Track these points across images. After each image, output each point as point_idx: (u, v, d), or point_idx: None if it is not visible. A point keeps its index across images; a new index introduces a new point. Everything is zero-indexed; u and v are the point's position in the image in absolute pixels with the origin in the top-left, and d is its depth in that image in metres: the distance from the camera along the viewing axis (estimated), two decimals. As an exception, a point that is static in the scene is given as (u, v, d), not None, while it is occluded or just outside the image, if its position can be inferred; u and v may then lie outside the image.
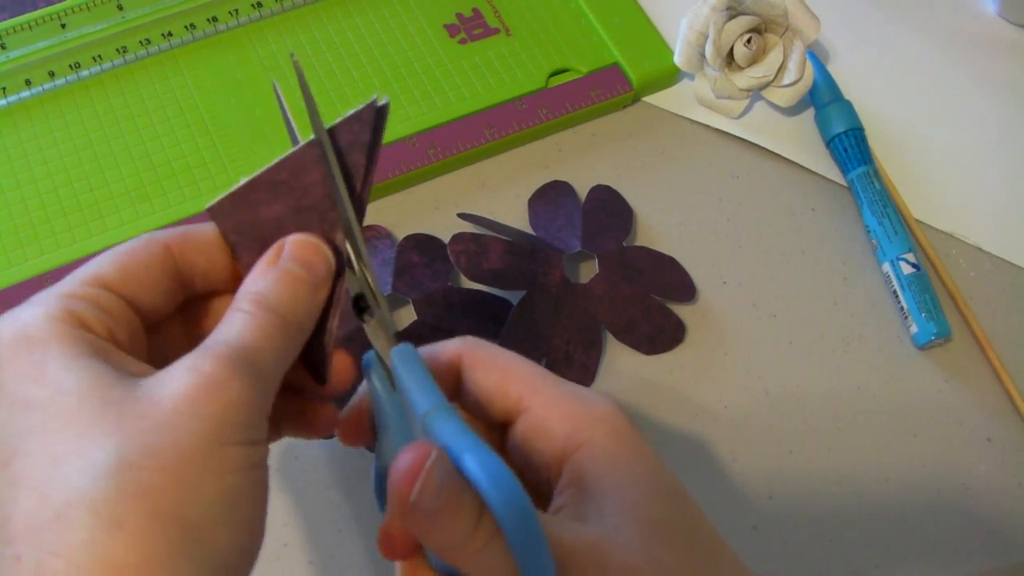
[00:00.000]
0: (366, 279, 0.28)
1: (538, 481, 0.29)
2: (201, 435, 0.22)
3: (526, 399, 0.28)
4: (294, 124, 0.29)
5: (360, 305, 0.29)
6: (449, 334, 0.41)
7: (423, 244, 0.45)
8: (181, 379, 0.23)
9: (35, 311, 0.24)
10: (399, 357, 0.26)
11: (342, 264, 0.28)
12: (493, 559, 0.23)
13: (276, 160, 0.27)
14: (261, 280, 0.26)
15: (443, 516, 0.22)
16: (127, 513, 0.20)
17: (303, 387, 0.29)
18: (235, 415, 0.23)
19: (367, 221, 0.46)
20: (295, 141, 0.28)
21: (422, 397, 0.25)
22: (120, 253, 0.26)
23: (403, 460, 0.22)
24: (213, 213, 0.27)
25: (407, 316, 0.43)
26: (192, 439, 0.22)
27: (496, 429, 0.30)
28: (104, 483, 0.21)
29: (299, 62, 0.28)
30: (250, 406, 0.23)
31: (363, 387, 0.30)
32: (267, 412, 0.24)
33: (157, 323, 0.27)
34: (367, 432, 0.30)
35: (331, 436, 0.31)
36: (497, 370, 0.29)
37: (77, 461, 0.21)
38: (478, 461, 0.23)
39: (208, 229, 0.28)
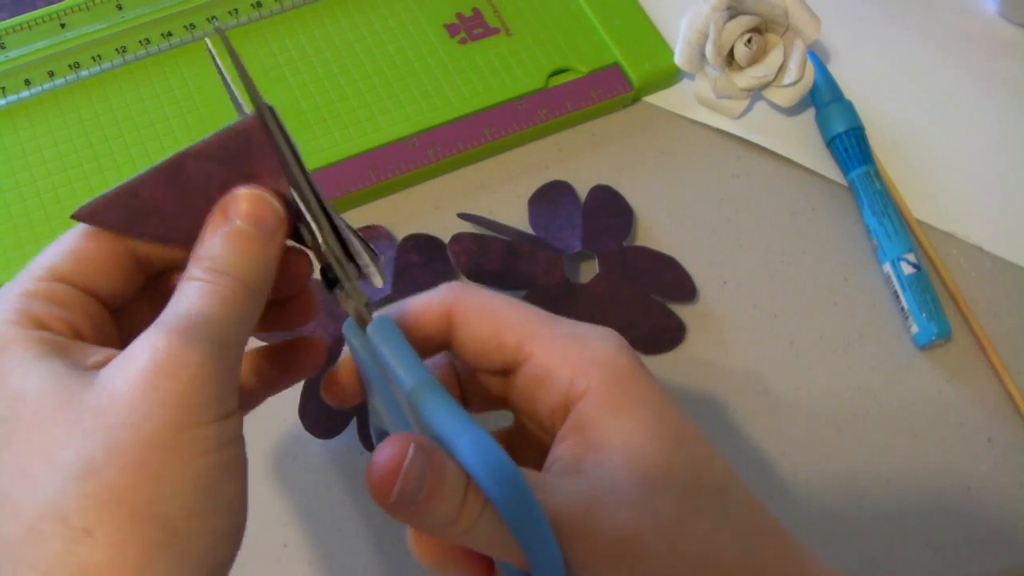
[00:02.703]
0: (331, 249, 0.26)
1: (546, 431, 0.28)
2: (163, 421, 0.21)
3: (525, 346, 0.27)
4: (234, 89, 0.27)
5: (328, 277, 0.27)
6: None
7: (423, 244, 0.44)
8: (137, 361, 0.22)
9: None
10: (376, 331, 0.26)
11: (291, 211, 0.26)
12: (486, 533, 0.23)
13: (219, 130, 0.26)
14: (211, 243, 0.24)
15: (425, 506, 0.22)
16: (97, 519, 0.20)
17: (282, 325, 0.28)
18: (198, 392, 0.22)
19: (367, 222, 0.46)
20: (237, 104, 0.27)
21: (405, 373, 0.24)
22: (69, 241, 0.25)
23: (381, 456, 0.22)
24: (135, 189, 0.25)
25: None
26: (154, 428, 0.21)
27: (499, 376, 0.29)
28: (71, 490, 0.20)
29: (224, 31, 0.26)
30: (214, 379, 0.22)
31: (346, 349, 0.28)
32: (235, 382, 0.23)
33: (123, 306, 0.26)
34: (355, 393, 0.29)
35: (315, 373, 0.29)
36: (490, 319, 0.28)
37: (44, 469, 0.21)
38: (469, 443, 0.23)
39: None
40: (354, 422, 0.40)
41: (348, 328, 0.27)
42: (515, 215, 0.47)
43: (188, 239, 0.25)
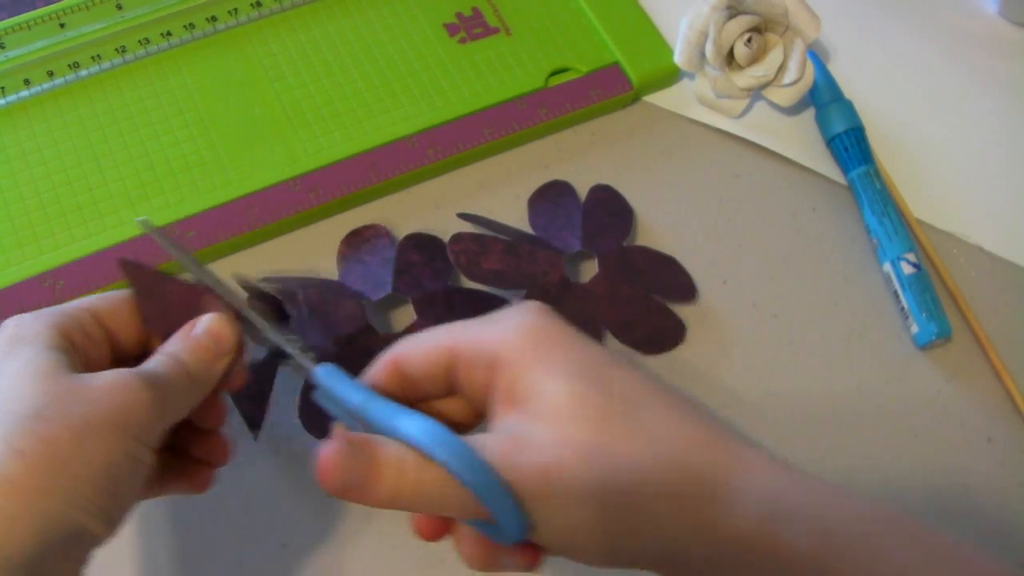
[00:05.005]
0: (271, 339, 0.34)
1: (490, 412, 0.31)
2: (106, 417, 0.28)
3: (456, 352, 0.30)
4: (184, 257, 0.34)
5: (277, 356, 0.35)
6: None
7: (423, 244, 0.44)
8: (106, 378, 0.29)
9: (39, 318, 0.31)
10: (325, 377, 0.31)
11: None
12: (438, 497, 0.27)
13: (183, 281, 0.34)
14: (179, 344, 0.32)
15: (368, 488, 0.27)
16: (29, 447, 0.27)
17: (193, 451, 0.35)
18: (137, 414, 0.29)
19: (367, 222, 0.46)
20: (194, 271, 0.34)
21: (353, 396, 0.29)
22: (114, 298, 0.33)
23: (320, 454, 0.27)
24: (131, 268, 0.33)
25: (407, 316, 0.43)
26: (98, 416, 0.28)
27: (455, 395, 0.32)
28: (20, 425, 0.27)
29: (149, 222, 0.34)
30: (150, 413, 0.29)
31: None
32: (161, 430, 0.30)
33: (121, 360, 0.33)
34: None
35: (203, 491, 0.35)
36: (423, 352, 0.31)
37: (9, 405, 0.28)
38: (409, 422, 0.28)
39: (125, 296, 0.33)
40: None
41: (316, 393, 0.31)
42: (515, 215, 0.47)
43: (162, 333, 0.33)
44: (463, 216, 0.45)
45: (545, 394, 0.28)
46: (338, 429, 0.28)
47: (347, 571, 0.39)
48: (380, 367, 0.31)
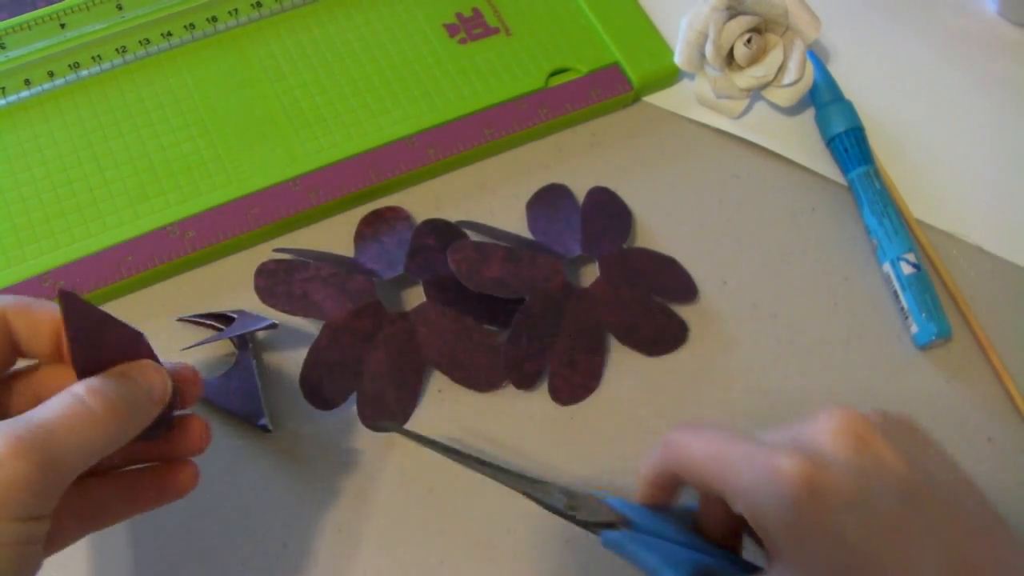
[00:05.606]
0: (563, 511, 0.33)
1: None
2: None
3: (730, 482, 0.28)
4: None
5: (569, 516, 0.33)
6: (457, 316, 0.41)
7: (439, 229, 0.45)
8: None
9: None
10: (615, 545, 0.31)
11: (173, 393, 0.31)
12: None
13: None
14: (108, 378, 0.28)
15: None
16: None
17: (157, 456, 0.32)
18: (7, 492, 0.24)
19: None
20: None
21: (648, 562, 0.30)
22: (30, 301, 0.29)
23: None
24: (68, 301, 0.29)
25: (417, 297, 0.43)
26: None
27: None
28: None
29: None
30: (31, 486, 0.25)
31: None
32: (56, 492, 0.26)
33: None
34: None
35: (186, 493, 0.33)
36: (708, 466, 0.28)
37: None
38: None
39: (47, 308, 0.30)
40: (354, 396, 0.41)
41: (610, 541, 0.32)
42: (515, 215, 0.47)
43: (84, 369, 0.29)
44: (463, 224, 0.45)
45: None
46: None
47: (348, 571, 0.39)
48: (657, 483, 0.30)
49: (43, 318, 0.29)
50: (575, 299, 0.43)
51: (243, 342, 0.42)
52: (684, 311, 0.45)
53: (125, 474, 0.32)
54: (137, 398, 0.28)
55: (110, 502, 0.31)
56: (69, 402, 0.27)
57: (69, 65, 0.48)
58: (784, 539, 0.26)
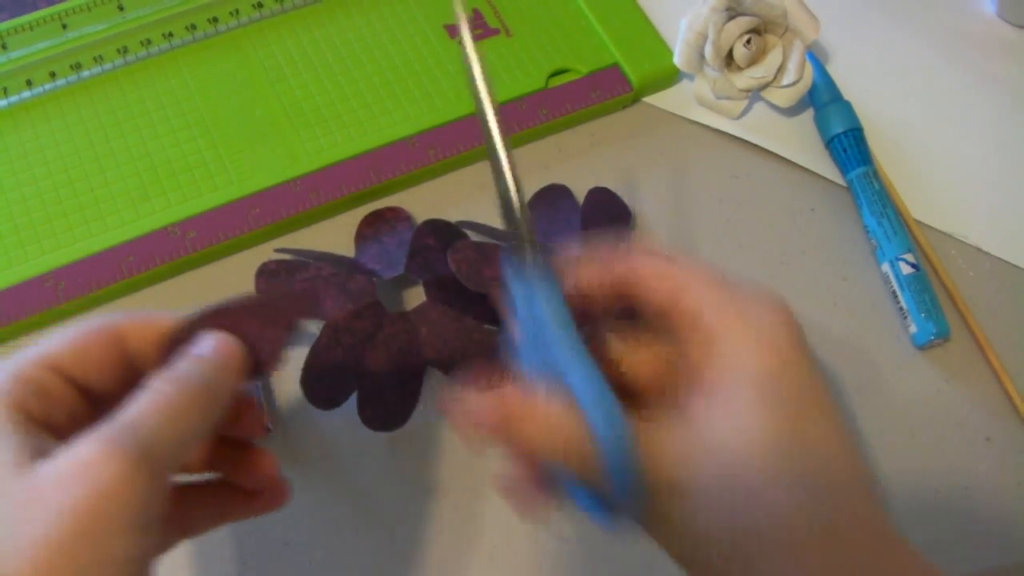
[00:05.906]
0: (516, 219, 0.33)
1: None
2: (61, 526, 0.21)
3: (699, 311, 0.28)
4: (482, 90, 0.32)
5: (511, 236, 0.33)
6: (457, 316, 0.41)
7: (440, 229, 0.45)
8: (62, 467, 0.22)
9: None
10: (541, 281, 0.30)
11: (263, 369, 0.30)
12: (569, 442, 0.26)
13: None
14: (177, 361, 0.27)
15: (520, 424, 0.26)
16: None
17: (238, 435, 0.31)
18: (108, 501, 0.22)
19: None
20: (480, 105, 0.32)
21: (556, 316, 0.29)
22: (75, 335, 0.27)
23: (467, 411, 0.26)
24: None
25: (417, 297, 0.44)
26: (52, 530, 0.21)
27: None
28: None
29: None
30: (133, 486, 0.22)
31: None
32: (156, 491, 0.23)
33: (108, 398, 0.27)
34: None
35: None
36: (668, 283, 0.29)
37: None
38: (579, 379, 0.27)
39: (160, 319, 0.29)
40: (354, 396, 0.41)
41: (510, 278, 0.31)
42: (515, 215, 0.47)
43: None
44: (463, 224, 0.45)
45: (738, 384, 0.26)
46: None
47: (349, 568, 0.39)
48: (608, 277, 0.30)
49: (158, 330, 0.28)
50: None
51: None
52: (683, 311, 0.45)
53: (219, 485, 0.32)
54: (205, 372, 0.27)
55: (205, 511, 0.31)
56: (143, 395, 0.25)
57: (71, 65, 0.48)
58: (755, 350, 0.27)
